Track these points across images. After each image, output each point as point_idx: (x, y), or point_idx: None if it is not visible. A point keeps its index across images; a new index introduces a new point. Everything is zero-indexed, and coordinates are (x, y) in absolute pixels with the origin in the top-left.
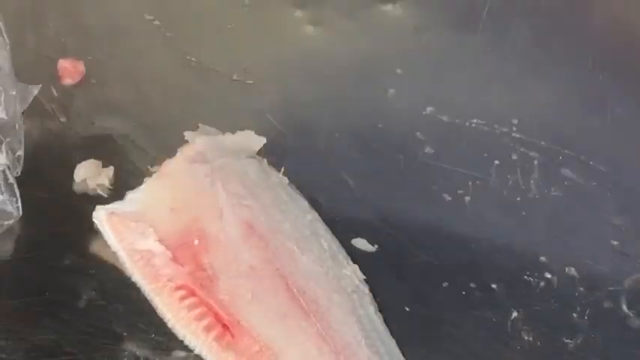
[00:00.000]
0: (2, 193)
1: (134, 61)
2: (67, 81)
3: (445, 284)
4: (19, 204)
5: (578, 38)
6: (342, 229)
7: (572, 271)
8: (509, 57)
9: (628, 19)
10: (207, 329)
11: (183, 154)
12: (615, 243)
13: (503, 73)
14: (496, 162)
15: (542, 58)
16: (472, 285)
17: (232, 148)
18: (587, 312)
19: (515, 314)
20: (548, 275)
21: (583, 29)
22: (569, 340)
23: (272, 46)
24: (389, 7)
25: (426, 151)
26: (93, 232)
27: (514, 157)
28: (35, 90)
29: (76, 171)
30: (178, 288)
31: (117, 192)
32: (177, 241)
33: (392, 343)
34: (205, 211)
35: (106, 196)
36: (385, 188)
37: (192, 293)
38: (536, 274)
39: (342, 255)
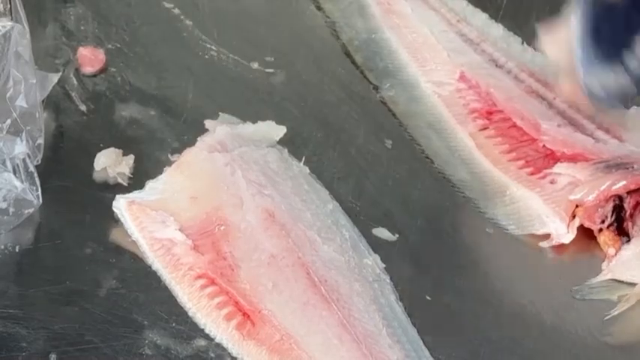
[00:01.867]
0: (22, 182)
1: (154, 49)
2: (87, 69)
3: (466, 273)
4: (39, 192)
5: None
6: (362, 218)
7: None
8: (529, 44)
9: None
10: (228, 318)
11: (203, 143)
12: None
13: None
14: None
15: None
16: (493, 273)
17: (253, 138)
18: None
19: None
20: None
21: None
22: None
23: (293, 36)
24: None
25: None
26: (113, 220)
27: None
28: (55, 78)
29: (96, 159)
30: (199, 277)
31: (137, 180)
32: (197, 230)
33: (413, 331)
34: (226, 200)
35: (126, 184)
36: (406, 177)
37: (213, 282)
38: None
39: (362, 244)
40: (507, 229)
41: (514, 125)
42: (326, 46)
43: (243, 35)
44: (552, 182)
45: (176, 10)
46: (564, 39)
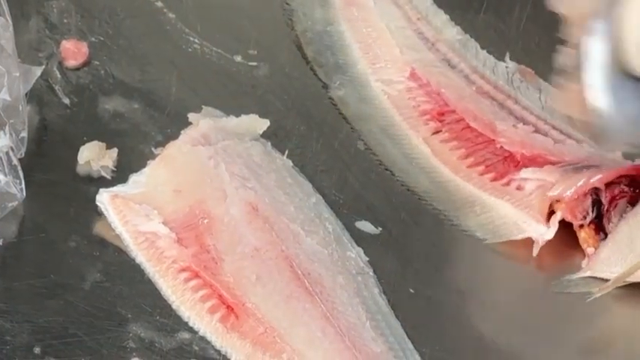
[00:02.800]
0: (6, 175)
1: (137, 42)
2: (71, 62)
3: (450, 265)
4: (23, 186)
5: None
6: (346, 211)
7: None
8: (512, 37)
9: None
10: (212, 311)
11: (187, 136)
12: None
13: (507, 52)
14: None
15: (546, 38)
16: (478, 265)
17: (236, 131)
18: None
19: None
20: None
21: None
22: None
23: (276, 29)
24: None
25: None
26: (97, 214)
27: None
28: (38, 71)
29: (79, 153)
30: (183, 270)
31: (121, 174)
32: (181, 223)
33: (396, 324)
34: (209, 193)
35: (109, 178)
36: (389, 171)
37: (197, 275)
38: None
39: (346, 237)
40: (485, 239)
41: (468, 126)
42: None
43: (226, 28)
44: (519, 189)
45: (159, 3)
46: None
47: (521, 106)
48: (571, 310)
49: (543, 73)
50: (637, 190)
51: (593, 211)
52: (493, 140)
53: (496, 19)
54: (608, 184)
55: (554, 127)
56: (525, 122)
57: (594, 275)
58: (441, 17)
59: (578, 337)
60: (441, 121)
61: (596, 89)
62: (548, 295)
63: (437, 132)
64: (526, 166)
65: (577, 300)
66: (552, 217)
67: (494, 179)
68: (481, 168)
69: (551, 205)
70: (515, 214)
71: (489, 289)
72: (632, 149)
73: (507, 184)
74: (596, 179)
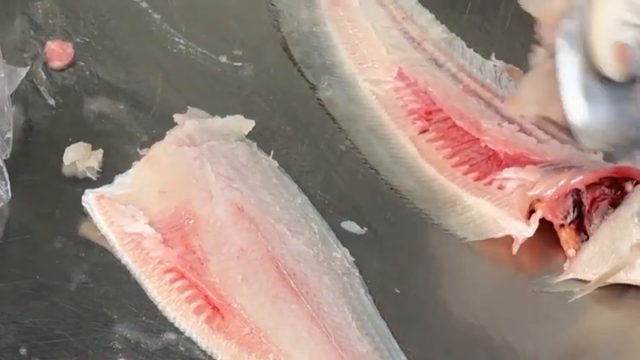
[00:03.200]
0: None
1: (122, 43)
2: (56, 63)
3: (435, 265)
4: (9, 187)
5: None
6: (331, 212)
7: None
8: (498, 36)
9: None
10: (198, 311)
11: (172, 137)
12: None
13: (492, 52)
14: None
15: (532, 37)
16: (462, 265)
17: (221, 131)
18: None
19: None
20: None
21: None
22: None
23: (262, 29)
24: None
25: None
26: (83, 215)
27: None
28: (23, 72)
29: (65, 154)
30: (168, 270)
31: (106, 175)
32: (166, 224)
33: (382, 324)
34: (195, 194)
35: (95, 179)
36: (375, 171)
37: (182, 276)
38: None
39: (331, 238)
40: (465, 238)
41: (454, 125)
42: None
43: (211, 29)
44: (500, 188)
45: (144, 4)
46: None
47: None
48: (553, 310)
49: (516, 55)
50: (618, 192)
51: (574, 212)
52: (478, 139)
53: (481, 18)
54: (589, 186)
55: (538, 126)
56: (510, 121)
57: (576, 277)
58: (426, 16)
59: (561, 337)
60: (428, 120)
61: (571, 91)
62: (532, 294)
63: (424, 131)
64: (509, 166)
65: (559, 300)
66: (533, 216)
67: (477, 179)
68: (465, 167)
69: (532, 205)
70: (496, 212)
71: (474, 288)
72: (607, 149)
73: (489, 183)
74: (577, 180)
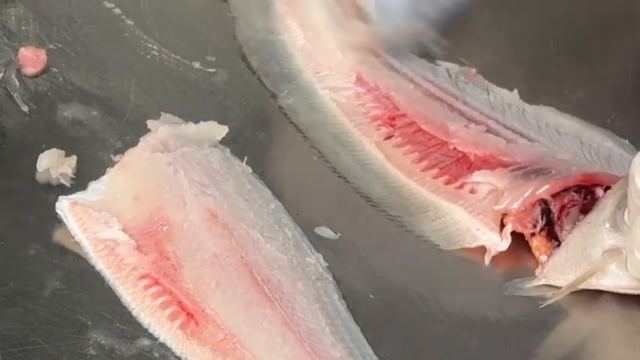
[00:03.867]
0: None
1: (95, 49)
2: (29, 70)
3: (409, 270)
4: None
5: (540, 21)
6: (305, 217)
7: None
8: (467, 41)
9: (589, 2)
10: (172, 317)
11: (145, 143)
12: None
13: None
14: None
15: (504, 41)
16: (436, 270)
17: (195, 137)
18: None
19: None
20: None
21: (546, 12)
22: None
23: (234, 35)
24: None
25: None
26: (56, 221)
27: None
28: None
29: (38, 160)
30: (142, 277)
31: (80, 181)
32: (140, 230)
33: (356, 329)
34: (168, 200)
35: (69, 185)
36: (342, 179)
37: (156, 282)
38: None
39: (305, 243)
40: (438, 245)
41: (419, 130)
42: None
43: (184, 35)
44: (472, 192)
45: (117, 10)
46: None
47: (471, 107)
48: (527, 314)
49: (486, 60)
50: (587, 198)
51: (542, 219)
52: (446, 142)
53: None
54: (557, 194)
55: (506, 127)
56: (477, 123)
57: (548, 283)
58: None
59: (534, 341)
60: (392, 126)
61: None
62: (506, 298)
63: (389, 137)
64: (479, 168)
65: (532, 304)
66: (504, 230)
67: (448, 182)
68: (435, 171)
69: (502, 215)
70: (469, 220)
71: (448, 293)
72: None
73: (461, 187)
74: (543, 190)
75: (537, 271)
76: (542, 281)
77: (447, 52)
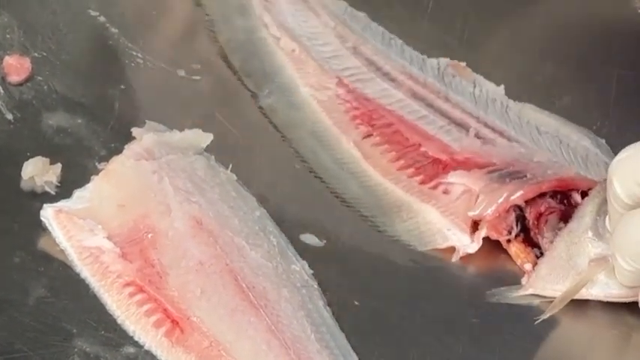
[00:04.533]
0: None
1: (80, 57)
2: (13, 78)
3: (394, 277)
4: None
5: (527, 27)
6: (290, 224)
7: None
8: (455, 46)
9: (575, 9)
10: (157, 325)
11: (130, 150)
12: None
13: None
14: None
15: (491, 47)
16: (421, 277)
17: (180, 145)
18: None
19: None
20: None
21: (531, 18)
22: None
23: (218, 43)
24: None
25: None
26: (41, 229)
27: None
28: None
29: (23, 168)
30: (127, 284)
31: (65, 189)
32: (125, 238)
33: (341, 336)
34: (153, 208)
35: (53, 193)
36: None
37: (141, 289)
38: None
39: (290, 251)
40: (410, 246)
41: (398, 130)
42: None
43: (169, 43)
44: (446, 192)
45: (102, 18)
46: None
47: (452, 103)
48: (513, 322)
49: (475, 65)
50: (564, 202)
51: (517, 226)
52: (421, 144)
53: (439, 28)
54: (532, 200)
55: (486, 125)
56: (456, 122)
57: (535, 293)
58: (360, 20)
59: (521, 350)
60: (371, 125)
61: None
62: (492, 306)
63: (368, 136)
64: (454, 169)
65: (518, 312)
66: (476, 233)
67: (423, 182)
68: (411, 170)
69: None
70: (440, 220)
71: (433, 300)
72: None
73: (435, 187)
74: (517, 196)
75: (523, 280)
76: (530, 291)
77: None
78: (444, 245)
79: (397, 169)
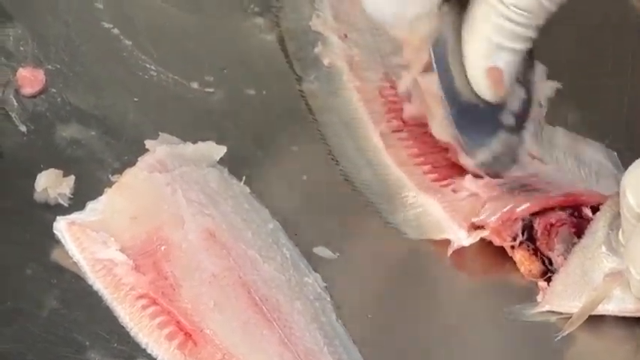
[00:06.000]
0: None
1: (94, 69)
2: (27, 90)
3: (407, 290)
4: None
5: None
6: (303, 237)
7: None
8: None
9: (586, 21)
10: (170, 337)
11: (143, 163)
12: None
13: None
14: None
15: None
16: (435, 290)
17: (193, 157)
18: None
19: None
20: None
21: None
22: None
23: (232, 55)
24: None
25: None
26: (54, 241)
27: None
28: None
29: (36, 180)
30: (140, 297)
31: (78, 201)
32: (138, 250)
33: (354, 349)
34: (166, 220)
35: (66, 205)
36: (346, 196)
37: (154, 302)
38: None
39: (303, 263)
40: (405, 234)
41: (427, 132)
42: (266, 65)
43: (182, 55)
44: (454, 191)
45: (115, 30)
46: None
47: None
48: (528, 336)
49: None
50: (575, 214)
51: (523, 235)
52: (447, 149)
53: None
54: (540, 212)
55: None
56: None
57: (552, 310)
58: None
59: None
60: (404, 122)
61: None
62: (511, 322)
63: (397, 130)
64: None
65: (534, 326)
66: (476, 232)
67: (435, 180)
68: (427, 167)
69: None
70: (441, 215)
71: (447, 313)
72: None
73: (446, 185)
74: (522, 209)
75: (539, 297)
76: (546, 308)
77: None
78: (438, 237)
79: (415, 164)
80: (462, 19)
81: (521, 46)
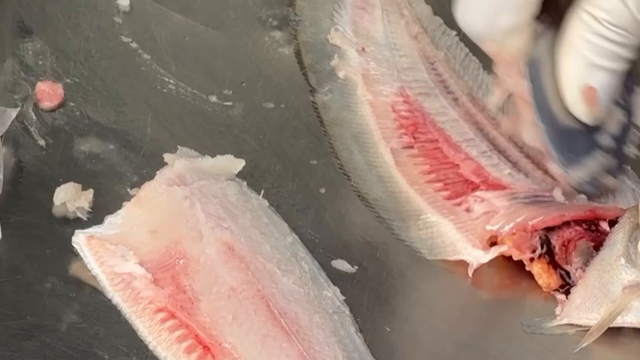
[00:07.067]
0: None
1: (112, 83)
2: (46, 104)
3: (426, 303)
4: None
5: None
6: (322, 250)
7: None
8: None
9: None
10: (189, 351)
11: (162, 176)
12: None
13: None
14: None
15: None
16: (454, 303)
17: (211, 171)
18: None
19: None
20: None
21: None
22: None
23: (251, 69)
24: None
25: None
26: (73, 255)
27: None
28: (13, 113)
29: (55, 194)
30: (159, 310)
31: (96, 215)
32: (157, 264)
33: None
34: (185, 234)
35: (85, 219)
36: (364, 209)
37: (173, 315)
38: None
39: (322, 276)
40: (421, 253)
41: (438, 148)
42: (284, 79)
43: (201, 69)
44: (468, 210)
45: (134, 44)
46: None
47: (500, 132)
48: (545, 348)
49: None
50: (594, 228)
51: (542, 248)
52: (458, 165)
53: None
54: (557, 227)
55: (527, 156)
56: (498, 147)
57: (570, 322)
58: (449, 38)
59: None
60: (414, 138)
61: (549, 131)
62: (526, 334)
63: (408, 147)
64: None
65: (552, 339)
66: (494, 247)
67: (448, 198)
68: (439, 185)
69: (495, 237)
70: (455, 235)
71: (467, 327)
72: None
73: (458, 204)
74: (537, 220)
75: (557, 310)
76: (565, 321)
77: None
78: (453, 258)
79: (426, 182)
80: (556, 38)
81: (618, 65)
